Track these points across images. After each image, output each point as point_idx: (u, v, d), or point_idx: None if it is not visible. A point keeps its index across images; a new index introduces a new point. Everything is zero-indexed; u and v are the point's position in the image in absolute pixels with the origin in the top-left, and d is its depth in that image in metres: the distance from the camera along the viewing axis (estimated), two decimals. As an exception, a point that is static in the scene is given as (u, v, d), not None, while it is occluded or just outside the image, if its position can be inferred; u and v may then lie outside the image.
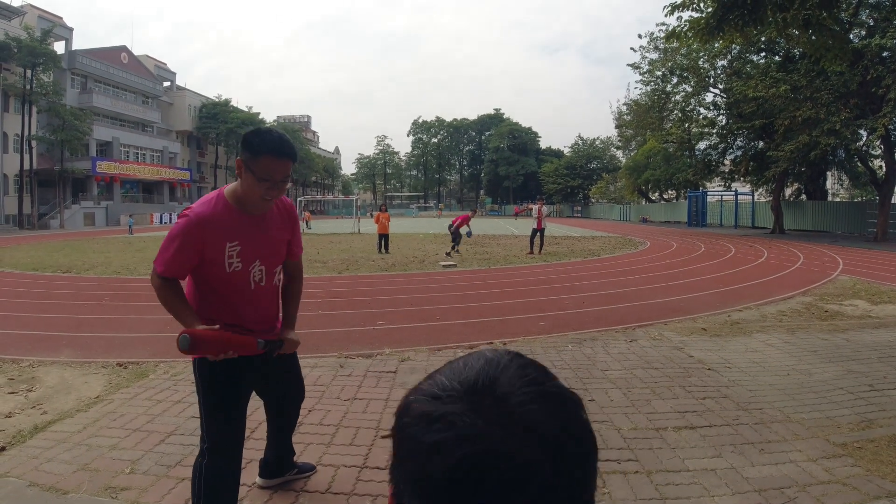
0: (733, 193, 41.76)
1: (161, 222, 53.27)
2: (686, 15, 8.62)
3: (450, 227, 18.72)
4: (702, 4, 8.09)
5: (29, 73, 41.96)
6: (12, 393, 4.94)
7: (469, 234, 18.78)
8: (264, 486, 3.23)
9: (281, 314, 2.88)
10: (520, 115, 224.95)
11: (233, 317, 2.57)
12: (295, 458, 3.40)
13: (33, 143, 43.87)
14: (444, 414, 0.56)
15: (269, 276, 2.66)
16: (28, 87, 41.97)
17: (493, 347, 1.01)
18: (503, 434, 0.55)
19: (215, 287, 2.54)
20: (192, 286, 2.59)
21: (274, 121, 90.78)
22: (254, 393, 2.87)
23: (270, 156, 2.36)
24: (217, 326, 2.38)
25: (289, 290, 2.92)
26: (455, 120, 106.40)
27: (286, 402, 3.11)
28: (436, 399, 0.58)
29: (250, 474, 3.35)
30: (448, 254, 17.77)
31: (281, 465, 3.27)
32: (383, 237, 19.44)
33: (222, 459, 2.59)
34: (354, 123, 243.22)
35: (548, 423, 0.56)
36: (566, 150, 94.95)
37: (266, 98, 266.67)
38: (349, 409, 4.48)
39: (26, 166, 43.49)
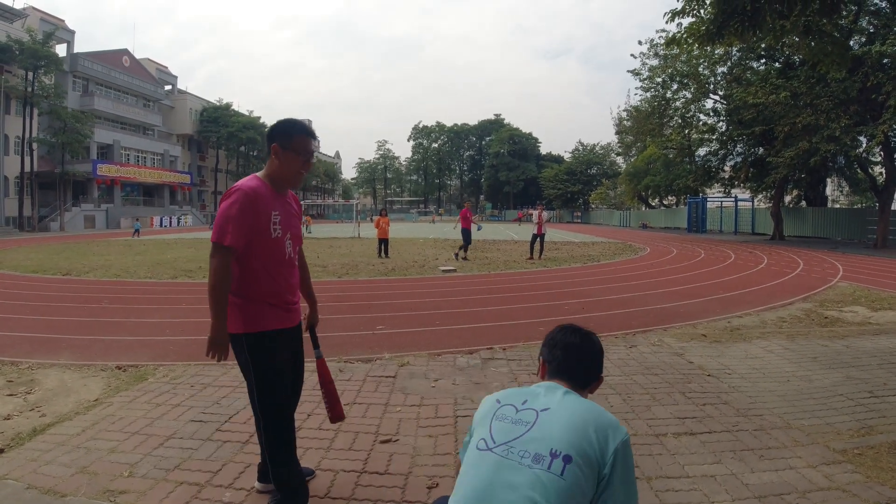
0: (733, 200, 41.77)
1: (161, 226, 53.31)
2: (686, 21, 8.65)
3: (462, 230, 18.88)
4: (702, 11, 8.10)
5: (30, 75, 42.12)
6: (11, 395, 4.93)
7: (479, 228, 18.86)
8: (262, 491, 3.22)
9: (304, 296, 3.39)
10: (520, 120, 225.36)
11: (272, 286, 2.89)
12: None
13: (34, 146, 43.97)
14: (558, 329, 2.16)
15: (294, 253, 3.06)
16: (29, 89, 42.10)
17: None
18: (573, 332, 2.11)
19: (260, 255, 2.83)
20: (235, 265, 2.83)
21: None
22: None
23: (303, 135, 2.94)
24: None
25: (304, 271, 3.37)
26: (456, 125, 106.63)
27: (296, 383, 3.27)
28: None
29: (249, 479, 3.34)
30: (456, 256, 17.86)
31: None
32: (383, 242, 19.46)
33: (278, 420, 2.96)
34: (355, 128, 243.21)
35: (590, 336, 2.12)
36: (566, 156, 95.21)
37: (267, 102, 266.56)
38: (349, 414, 4.46)
39: (27, 168, 43.58)
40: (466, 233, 19.01)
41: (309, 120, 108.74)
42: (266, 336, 2.87)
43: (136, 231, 37.89)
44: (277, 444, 2.95)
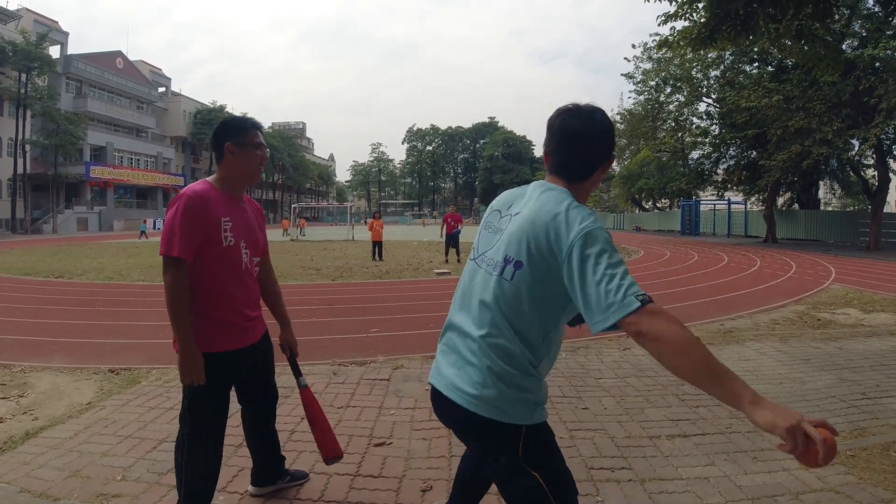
0: (726, 202, 41.92)
1: (155, 228, 53.06)
2: (679, 25, 8.69)
3: (448, 236, 18.76)
4: (695, 15, 8.14)
5: (24, 76, 41.97)
6: (4, 398, 4.91)
7: (457, 232, 18.69)
8: (256, 494, 3.21)
9: (269, 310, 3.15)
10: (515, 123, 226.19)
11: (223, 300, 2.68)
12: (287, 466, 3.39)
13: (27, 148, 43.81)
14: (558, 111, 1.87)
15: (251, 263, 2.83)
16: (23, 91, 41.94)
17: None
18: (572, 115, 1.83)
19: (210, 266, 2.62)
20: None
21: (269, 127, 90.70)
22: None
23: (255, 129, 2.80)
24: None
25: (273, 286, 3.16)
26: (450, 128, 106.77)
27: (270, 403, 3.17)
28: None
29: (243, 482, 3.33)
30: (458, 260, 17.86)
31: (272, 472, 3.25)
32: (377, 244, 19.46)
33: (203, 444, 2.71)
34: (350, 131, 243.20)
35: (592, 117, 1.81)
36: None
37: (262, 105, 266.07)
38: (342, 417, 4.46)
39: (20, 170, 43.41)
40: (448, 237, 18.80)
41: (303, 123, 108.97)
42: (212, 357, 2.64)
43: (143, 232, 38.07)
44: (196, 477, 2.71)
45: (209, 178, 2.78)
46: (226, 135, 2.73)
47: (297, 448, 3.86)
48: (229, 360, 2.72)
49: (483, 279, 1.81)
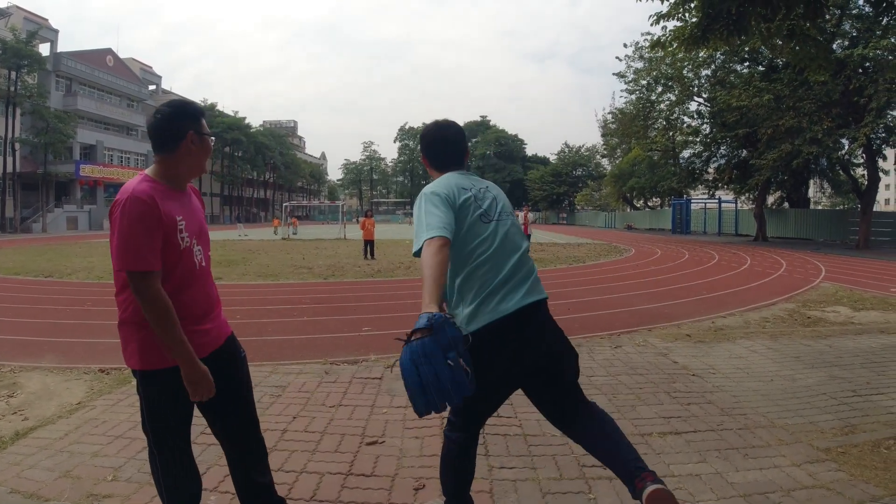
0: (717, 201, 42.13)
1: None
2: (671, 25, 8.71)
3: None
4: (687, 14, 8.16)
5: (13, 74, 41.63)
6: (-8, 399, 4.87)
7: None
8: None
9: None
10: (507, 122, 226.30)
11: (186, 310, 2.34)
12: (275, 470, 3.25)
13: (17, 146, 43.44)
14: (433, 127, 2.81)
15: (205, 260, 2.53)
16: (12, 88, 41.59)
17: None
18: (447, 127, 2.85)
19: (168, 275, 2.28)
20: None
21: (260, 125, 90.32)
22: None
23: (203, 115, 2.53)
24: None
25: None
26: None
27: (246, 429, 2.70)
28: None
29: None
30: None
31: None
32: (369, 243, 19.43)
33: (171, 457, 2.46)
34: (341, 129, 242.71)
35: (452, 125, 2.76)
36: (552, 158, 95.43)
37: (253, 103, 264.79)
38: (334, 416, 4.45)
39: (9, 169, 43.07)
40: None
41: (294, 121, 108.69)
42: (167, 373, 2.33)
43: None
44: (173, 489, 2.47)
45: (148, 173, 2.40)
46: (188, 122, 2.42)
47: (289, 448, 3.85)
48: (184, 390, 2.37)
49: (514, 226, 2.69)
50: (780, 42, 8.11)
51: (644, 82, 34.86)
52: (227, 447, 2.70)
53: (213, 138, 2.57)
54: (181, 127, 2.40)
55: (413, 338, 2.07)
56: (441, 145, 2.82)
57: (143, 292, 2.17)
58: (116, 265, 2.21)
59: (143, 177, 2.35)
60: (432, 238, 2.30)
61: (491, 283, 2.44)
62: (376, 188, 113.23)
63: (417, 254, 2.32)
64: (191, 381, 2.27)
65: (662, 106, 35.58)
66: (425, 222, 2.38)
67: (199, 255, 2.47)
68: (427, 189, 2.55)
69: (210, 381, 2.32)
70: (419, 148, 2.89)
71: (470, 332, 2.34)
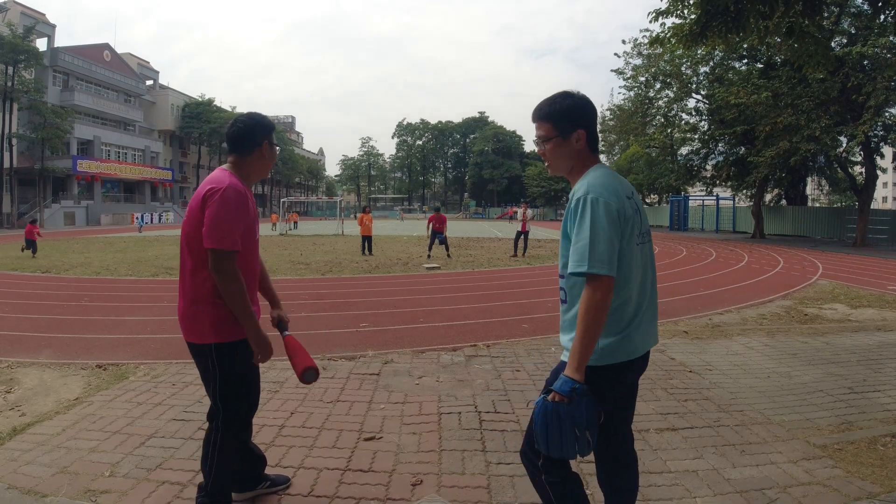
0: (714, 198, 42.13)
1: (143, 222, 52.75)
2: (670, 21, 8.70)
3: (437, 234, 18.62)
4: (686, 11, 8.15)
5: (10, 69, 41.48)
6: (-11, 394, 4.87)
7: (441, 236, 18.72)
8: (236, 501, 3.09)
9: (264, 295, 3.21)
10: (504, 118, 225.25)
11: (250, 292, 2.76)
12: (273, 465, 3.36)
13: (14, 141, 43.35)
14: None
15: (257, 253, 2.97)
16: (9, 84, 41.46)
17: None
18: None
19: (244, 259, 2.72)
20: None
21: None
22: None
23: (274, 129, 2.97)
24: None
25: (264, 269, 3.18)
26: (440, 122, 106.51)
27: (251, 409, 3.04)
28: None
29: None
30: (448, 256, 17.80)
31: (252, 477, 3.16)
32: (367, 239, 19.39)
33: (237, 431, 2.84)
34: (339, 125, 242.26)
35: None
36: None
37: (251, 98, 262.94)
38: (332, 412, 4.46)
39: (6, 164, 42.95)
40: (433, 234, 18.85)
41: (292, 117, 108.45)
42: (240, 345, 2.71)
43: (140, 228, 38.63)
44: (224, 474, 2.82)
45: (228, 169, 2.78)
46: (266, 132, 2.84)
47: (287, 443, 3.85)
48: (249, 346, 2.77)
49: (650, 252, 2.38)
50: (779, 39, 8.11)
51: (642, 79, 34.76)
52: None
53: (279, 148, 2.93)
54: (261, 137, 2.83)
55: (550, 397, 2.03)
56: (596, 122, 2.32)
57: (225, 269, 2.56)
58: (207, 243, 2.54)
59: (226, 173, 2.74)
60: (602, 278, 1.98)
61: (633, 318, 2.20)
62: (374, 184, 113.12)
63: (579, 274, 2.03)
64: (258, 345, 2.66)
65: (661, 103, 35.51)
66: (599, 244, 2.01)
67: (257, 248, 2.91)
68: (598, 192, 2.09)
69: (271, 346, 2.72)
70: (574, 123, 2.25)
71: (600, 365, 2.13)
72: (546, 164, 2.49)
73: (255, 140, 2.81)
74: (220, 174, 2.72)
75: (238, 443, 2.88)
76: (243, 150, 2.80)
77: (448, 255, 18.13)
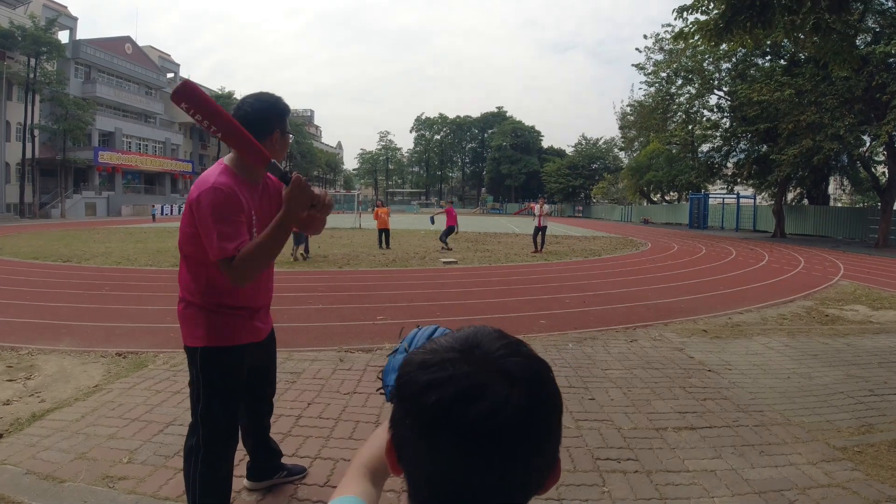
0: (735, 196, 41.73)
1: (163, 214, 53.15)
2: (693, 17, 8.60)
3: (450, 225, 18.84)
4: (711, 5, 8.05)
5: (33, 61, 41.97)
6: (11, 381, 4.93)
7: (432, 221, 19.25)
8: (252, 489, 3.15)
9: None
10: (523, 113, 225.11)
11: (242, 298, 2.52)
12: (289, 455, 3.39)
13: (36, 132, 43.87)
14: (440, 360, 0.72)
15: None
16: (31, 75, 41.96)
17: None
18: (486, 375, 0.70)
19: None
20: (199, 270, 2.46)
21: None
22: None
23: (287, 115, 2.57)
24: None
25: None
26: (458, 117, 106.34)
27: (265, 392, 3.03)
28: (433, 352, 0.74)
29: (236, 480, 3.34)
30: (449, 248, 17.88)
31: (269, 466, 3.18)
32: (384, 232, 19.45)
33: (220, 450, 2.57)
34: (358, 118, 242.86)
35: (523, 372, 0.71)
36: (569, 150, 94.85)
37: (272, 91, 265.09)
38: (349, 403, 4.47)
39: (28, 155, 43.47)
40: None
41: (311, 110, 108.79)
42: (228, 351, 2.52)
43: (154, 217, 39.43)
44: (209, 491, 2.56)
45: (226, 162, 2.45)
46: (279, 119, 2.50)
47: (304, 433, 3.87)
48: (245, 354, 2.59)
49: None
50: (804, 36, 8.00)
51: (664, 75, 34.45)
52: (248, 404, 2.93)
53: (292, 136, 2.55)
54: (270, 124, 2.46)
55: None
56: None
57: (234, 271, 2.24)
58: (210, 255, 2.28)
59: (222, 168, 2.41)
60: None
61: None
62: (392, 178, 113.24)
63: None
64: (300, 202, 2.15)
65: (682, 99, 35.17)
66: None
67: None
68: None
69: (305, 189, 2.16)
70: None
71: None
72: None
73: (264, 128, 2.43)
74: (210, 171, 2.42)
75: (226, 463, 2.63)
76: (258, 134, 2.34)
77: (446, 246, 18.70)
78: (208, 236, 2.26)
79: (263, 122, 2.44)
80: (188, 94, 1.94)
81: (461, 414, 0.67)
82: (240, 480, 3.19)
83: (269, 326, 2.78)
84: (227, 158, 2.48)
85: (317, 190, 2.21)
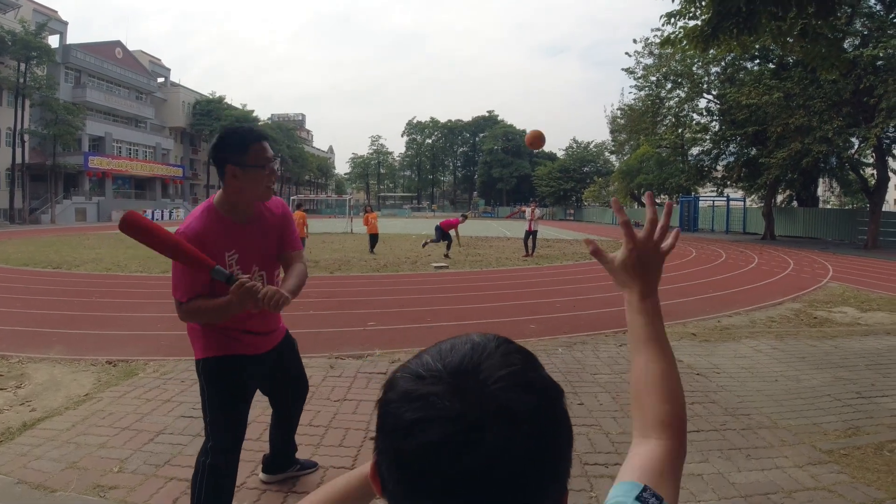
0: (725, 199, 41.91)
1: (153, 219, 52.90)
2: (682, 23, 8.65)
3: (437, 227, 18.36)
4: (697, 12, 8.11)
5: (23, 66, 41.77)
6: (1, 389, 4.92)
7: (436, 241, 18.51)
8: (267, 482, 3.28)
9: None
10: (516, 117, 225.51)
11: (238, 321, 2.56)
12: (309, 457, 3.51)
13: (26, 137, 43.61)
14: (426, 394, 0.60)
15: (269, 280, 2.69)
16: (21, 80, 41.76)
17: (483, 332, 0.67)
18: (483, 415, 0.57)
19: (223, 295, 2.36)
20: None
21: (267, 119, 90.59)
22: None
23: (258, 142, 2.42)
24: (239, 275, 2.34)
25: (291, 267, 2.70)
26: (449, 121, 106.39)
27: (291, 401, 3.17)
28: (419, 379, 0.62)
29: (240, 475, 3.34)
30: (446, 255, 17.69)
31: (284, 461, 3.31)
32: (373, 237, 19.51)
33: (225, 458, 2.63)
34: (349, 122, 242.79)
35: (525, 410, 0.59)
36: (560, 154, 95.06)
37: (262, 95, 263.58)
38: (339, 410, 4.48)
39: (18, 160, 43.23)
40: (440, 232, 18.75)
41: (302, 115, 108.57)
42: (225, 361, 2.58)
43: None
44: (212, 492, 2.59)
45: (214, 201, 2.51)
46: (226, 154, 2.39)
47: (319, 433, 3.88)
48: (244, 364, 2.63)
49: None
50: (791, 40, 8.07)
51: (653, 78, 34.60)
52: (279, 399, 3.13)
53: (269, 167, 2.44)
54: (221, 160, 2.41)
55: None
56: None
57: (182, 317, 2.43)
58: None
59: (204, 208, 2.49)
60: None
61: None
62: (384, 182, 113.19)
63: None
64: (240, 301, 2.16)
65: (671, 102, 35.32)
66: None
67: (260, 280, 2.58)
68: None
69: (250, 296, 2.15)
70: None
71: None
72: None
73: (219, 165, 2.42)
74: (195, 210, 2.52)
75: (231, 472, 2.68)
76: (219, 175, 2.46)
77: (424, 245, 18.91)
78: (173, 274, 2.40)
79: (217, 162, 2.43)
80: (131, 224, 2.08)
81: (449, 465, 0.56)
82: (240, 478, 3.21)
83: (270, 341, 2.81)
84: (216, 197, 2.53)
85: (264, 290, 2.18)
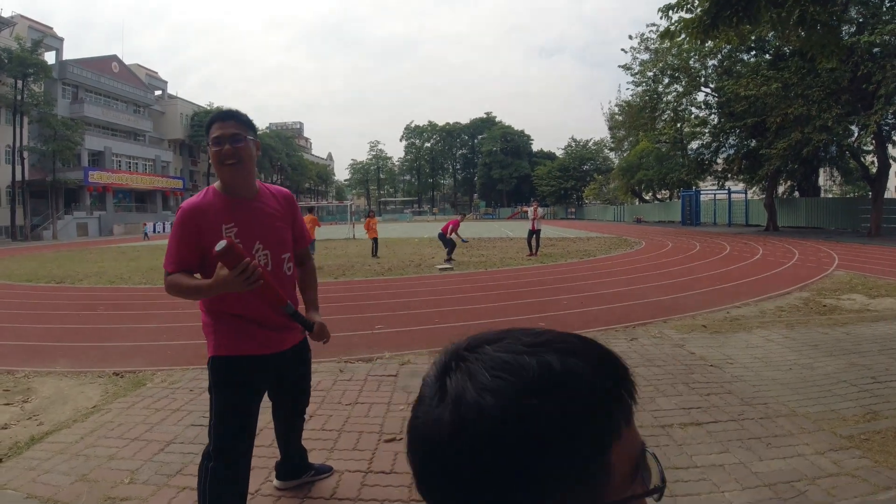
0: (726, 192, 41.89)
1: (155, 231, 52.95)
2: (678, 16, 8.61)
3: (440, 235, 18.13)
4: (696, 2, 8.07)
5: (20, 83, 41.88)
6: (8, 404, 4.87)
7: (464, 241, 18.44)
8: (281, 489, 3.23)
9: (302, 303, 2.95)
10: (513, 118, 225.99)
11: (243, 307, 2.53)
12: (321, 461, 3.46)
13: (25, 154, 43.72)
14: (420, 397, 0.63)
15: (275, 263, 2.65)
16: (19, 97, 41.86)
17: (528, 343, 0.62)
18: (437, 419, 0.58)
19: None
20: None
21: (266, 128, 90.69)
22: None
23: (216, 123, 2.53)
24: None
25: (302, 277, 3.02)
26: (448, 124, 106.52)
27: (292, 413, 3.11)
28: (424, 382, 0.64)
29: (252, 483, 3.30)
30: (447, 260, 17.62)
31: (297, 466, 3.26)
32: (375, 241, 19.67)
33: (229, 462, 2.53)
34: (348, 129, 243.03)
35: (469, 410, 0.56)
36: (559, 153, 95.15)
37: (260, 105, 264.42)
38: (351, 414, 4.43)
39: (18, 177, 43.32)
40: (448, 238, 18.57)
41: (300, 123, 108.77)
42: (233, 361, 2.54)
43: (146, 235, 39.45)
44: (217, 497, 2.51)
45: (216, 183, 2.64)
46: (208, 135, 2.57)
47: (307, 446, 3.79)
48: (251, 365, 2.57)
49: None
50: (789, 29, 8.03)
51: (650, 74, 34.55)
52: (282, 405, 3.09)
53: (215, 145, 2.52)
54: (207, 140, 2.59)
55: None
56: None
57: (166, 288, 2.52)
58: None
59: (207, 188, 2.63)
60: None
61: None
62: (384, 187, 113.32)
63: None
64: (227, 284, 2.28)
65: (669, 97, 35.28)
66: None
67: (265, 259, 2.61)
68: None
69: (235, 272, 2.25)
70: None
71: None
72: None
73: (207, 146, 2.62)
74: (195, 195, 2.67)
75: (234, 478, 2.58)
76: None
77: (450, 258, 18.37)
78: (167, 245, 2.55)
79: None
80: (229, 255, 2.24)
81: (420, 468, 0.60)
82: (252, 486, 3.16)
83: (287, 339, 2.76)
84: (216, 182, 2.66)
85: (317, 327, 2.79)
